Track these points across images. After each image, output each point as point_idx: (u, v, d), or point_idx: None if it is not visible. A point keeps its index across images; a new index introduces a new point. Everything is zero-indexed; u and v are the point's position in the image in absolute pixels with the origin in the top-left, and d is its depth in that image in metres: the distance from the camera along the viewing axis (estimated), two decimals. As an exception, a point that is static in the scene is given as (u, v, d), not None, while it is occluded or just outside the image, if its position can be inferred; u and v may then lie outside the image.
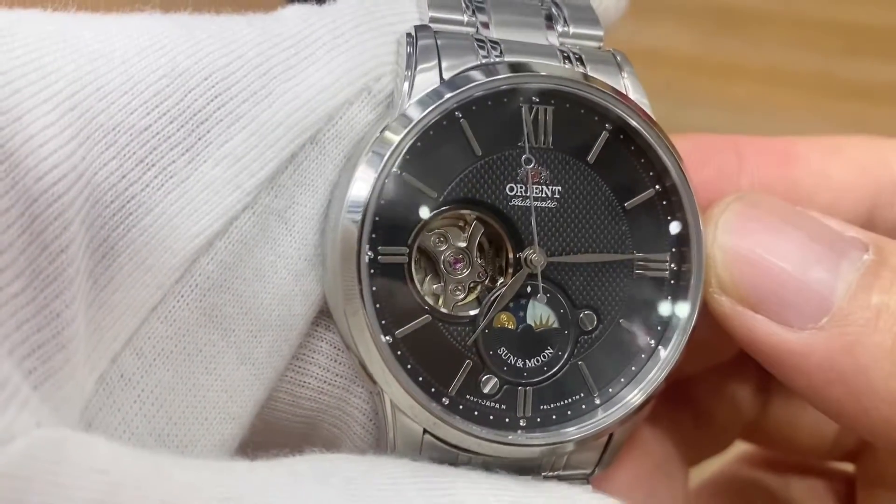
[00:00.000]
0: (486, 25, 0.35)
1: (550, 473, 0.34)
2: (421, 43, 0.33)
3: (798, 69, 0.71)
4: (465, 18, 0.34)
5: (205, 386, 0.31)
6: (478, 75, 0.33)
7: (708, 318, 0.34)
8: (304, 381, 0.33)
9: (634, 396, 0.34)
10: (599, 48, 0.35)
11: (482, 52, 0.34)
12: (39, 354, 0.26)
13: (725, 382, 0.43)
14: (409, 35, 0.33)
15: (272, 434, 0.33)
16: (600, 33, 0.35)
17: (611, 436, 0.34)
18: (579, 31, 0.35)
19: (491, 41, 0.34)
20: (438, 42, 0.33)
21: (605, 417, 0.33)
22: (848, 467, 0.44)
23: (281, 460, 0.29)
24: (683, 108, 0.56)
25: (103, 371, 0.29)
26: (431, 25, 0.34)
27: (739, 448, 0.47)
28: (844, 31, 0.71)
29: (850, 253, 0.32)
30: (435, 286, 0.34)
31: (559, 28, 0.35)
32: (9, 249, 0.25)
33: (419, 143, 0.33)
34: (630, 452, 0.39)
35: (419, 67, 0.33)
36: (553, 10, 0.36)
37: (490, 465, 0.32)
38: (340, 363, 0.33)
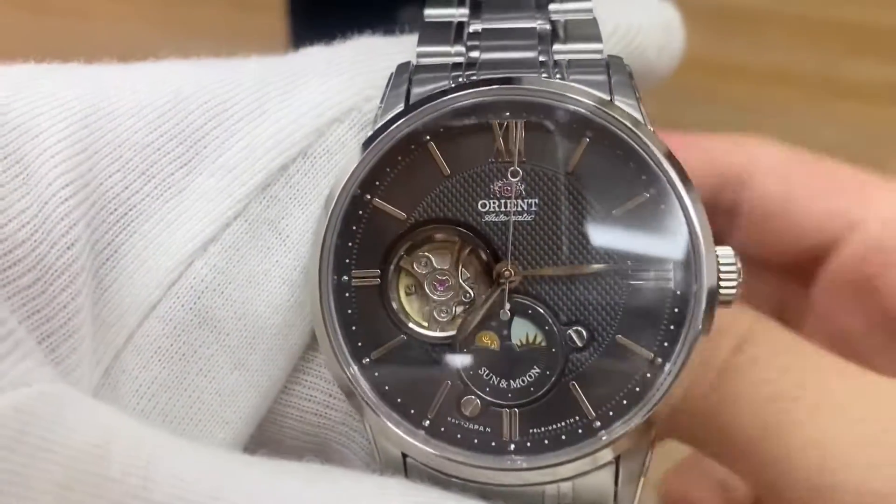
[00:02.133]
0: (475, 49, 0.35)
1: None
2: (396, 78, 0.34)
3: (798, 69, 0.71)
4: (452, 50, 0.35)
5: (199, 388, 0.32)
6: (440, 96, 0.33)
7: None
8: (311, 396, 0.34)
9: (636, 417, 0.32)
10: (597, 59, 0.35)
11: (455, 73, 0.34)
12: (49, 343, 0.29)
13: None
14: (391, 73, 0.34)
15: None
16: (599, 46, 0.35)
17: (618, 463, 0.32)
18: (575, 45, 0.35)
19: (468, 62, 0.34)
20: (413, 75, 0.34)
21: (603, 441, 0.31)
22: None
23: (279, 460, 0.29)
24: (683, 108, 0.56)
25: (108, 365, 0.31)
26: (415, 61, 0.34)
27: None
28: (844, 31, 0.71)
29: None
30: (425, 309, 0.33)
31: (556, 45, 0.35)
32: (22, 245, 0.29)
33: (385, 167, 0.33)
34: None
35: (388, 97, 0.34)
36: (552, 24, 0.35)
37: (488, 494, 0.31)
38: None
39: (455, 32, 0.35)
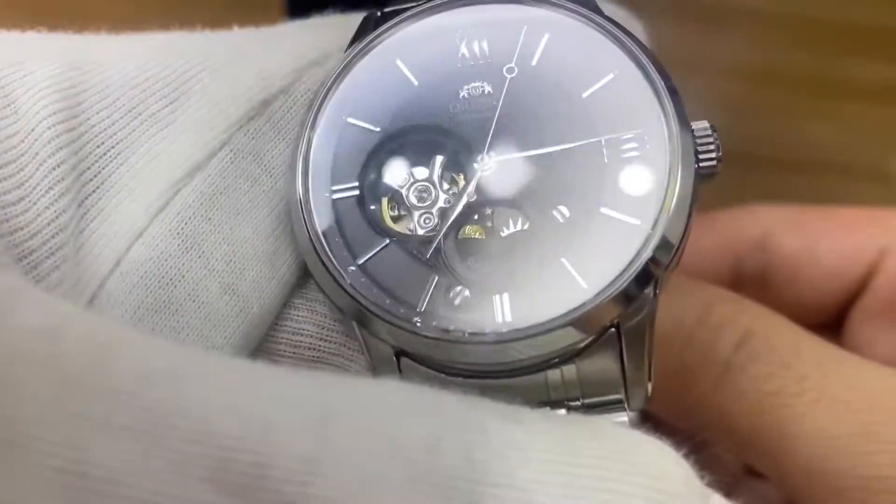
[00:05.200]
0: None
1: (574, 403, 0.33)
2: (364, 22, 0.36)
3: (798, 69, 0.71)
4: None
5: (187, 311, 0.32)
6: (403, 16, 0.35)
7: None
8: (302, 329, 0.35)
9: (623, 277, 0.31)
10: None
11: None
12: (31, 259, 0.30)
13: None
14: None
15: None
16: None
17: (619, 330, 0.32)
18: None
19: None
20: (379, 19, 0.36)
21: (592, 302, 0.31)
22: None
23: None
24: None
25: (93, 293, 0.31)
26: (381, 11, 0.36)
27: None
28: (844, 31, 0.71)
29: None
30: (409, 220, 0.34)
31: None
32: (8, 165, 0.30)
33: (354, 86, 0.35)
34: None
35: (356, 35, 0.36)
36: None
37: (487, 391, 0.31)
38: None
39: None
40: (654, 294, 0.32)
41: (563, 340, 0.31)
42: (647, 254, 0.31)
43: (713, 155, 0.33)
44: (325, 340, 0.34)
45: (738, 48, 0.71)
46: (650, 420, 0.36)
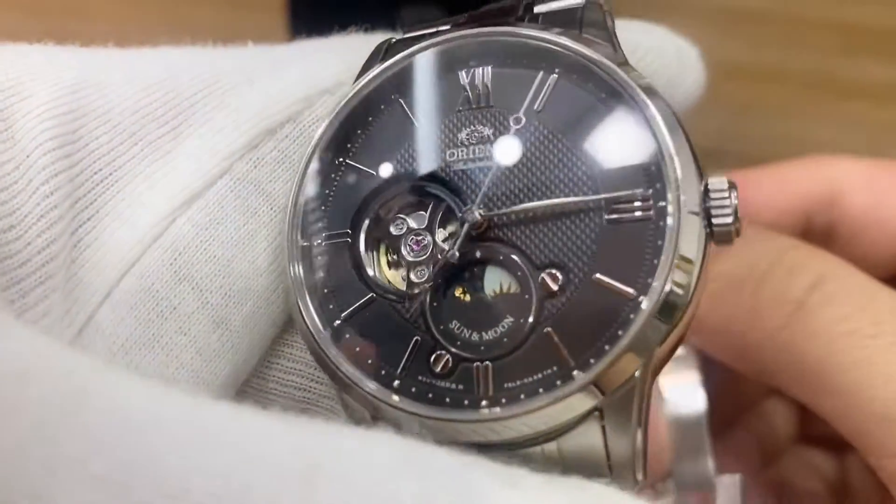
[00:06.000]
0: None
1: None
2: (374, 52, 0.35)
3: (798, 69, 0.71)
4: (433, 29, 0.35)
5: (177, 345, 0.31)
6: (406, 52, 0.34)
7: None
8: (294, 368, 0.34)
9: (608, 357, 0.28)
10: (575, 4, 0.34)
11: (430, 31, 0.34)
12: (20, 288, 0.29)
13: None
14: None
15: None
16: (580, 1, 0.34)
17: (602, 414, 0.29)
18: (556, 4, 0.34)
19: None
20: (391, 47, 0.35)
21: (576, 383, 0.28)
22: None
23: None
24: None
25: (83, 324, 0.31)
26: (395, 38, 0.35)
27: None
28: (844, 31, 0.71)
29: None
30: (402, 271, 0.33)
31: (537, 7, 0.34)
32: (1, 192, 0.29)
33: (354, 127, 0.33)
34: None
35: (364, 67, 0.34)
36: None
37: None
38: None
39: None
40: (645, 375, 0.29)
41: (542, 423, 0.29)
42: (639, 328, 0.29)
43: (728, 212, 0.30)
44: (317, 382, 0.34)
45: (738, 48, 0.71)
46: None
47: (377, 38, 0.36)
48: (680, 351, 0.31)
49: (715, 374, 0.46)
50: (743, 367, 0.40)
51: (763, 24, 0.72)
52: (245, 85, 0.33)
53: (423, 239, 0.32)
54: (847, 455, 0.48)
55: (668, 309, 0.29)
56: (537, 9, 0.34)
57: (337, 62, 0.35)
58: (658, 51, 0.37)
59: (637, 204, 0.30)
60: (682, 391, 0.44)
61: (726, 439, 0.49)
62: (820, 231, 0.47)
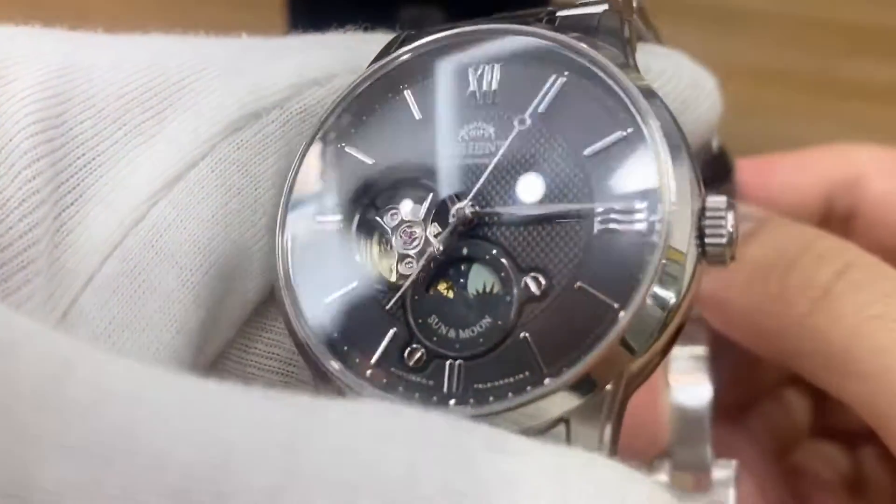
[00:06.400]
0: None
1: None
2: (387, 45, 0.35)
3: (798, 69, 0.71)
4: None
5: (158, 325, 0.31)
6: (416, 44, 0.33)
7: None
8: (273, 353, 0.34)
9: (584, 361, 0.28)
10: (594, 12, 0.33)
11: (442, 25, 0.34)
12: (1, 272, 0.29)
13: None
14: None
15: None
16: (602, 8, 0.33)
17: (568, 430, 0.28)
18: (577, 11, 0.34)
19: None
20: (404, 39, 0.34)
21: (545, 389, 0.28)
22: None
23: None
24: (683, 109, 0.55)
25: (65, 309, 0.30)
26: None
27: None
28: (844, 31, 0.71)
29: None
30: (392, 262, 0.32)
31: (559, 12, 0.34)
32: None
33: (359, 114, 0.33)
34: None
35: (376, 58, 0.34)
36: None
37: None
38: None
39: None
40: (616, 390, 0.29)
41: (509, 426, 0.28)
42: (614, 339, 0.28)
43: (722, 233, 0.29)
44: (297, 366, 0.34)
45: (738, 48, 0.71)
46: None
47: (376, 37, 0.36)
48: (691, 350, 0.31)
49: (732, 357, 0.46)
50: (767, 351, 0.40)
51: (763, 24, 0.72)
52: (234, 73, 0.33)
53: (416, 231, 0.32)
54: (860, 448, 0.48)
55: (648, 324, 0.28)
56: (559, 13, 0.34)
57: (330, 56, 0.35)
58: (671, 74, 0.37)
59: (629, 216, 0.29)
60: (687, 385, 0.44)
61: (740, 423, 0.49)
62: (841, 215, 0.47)
